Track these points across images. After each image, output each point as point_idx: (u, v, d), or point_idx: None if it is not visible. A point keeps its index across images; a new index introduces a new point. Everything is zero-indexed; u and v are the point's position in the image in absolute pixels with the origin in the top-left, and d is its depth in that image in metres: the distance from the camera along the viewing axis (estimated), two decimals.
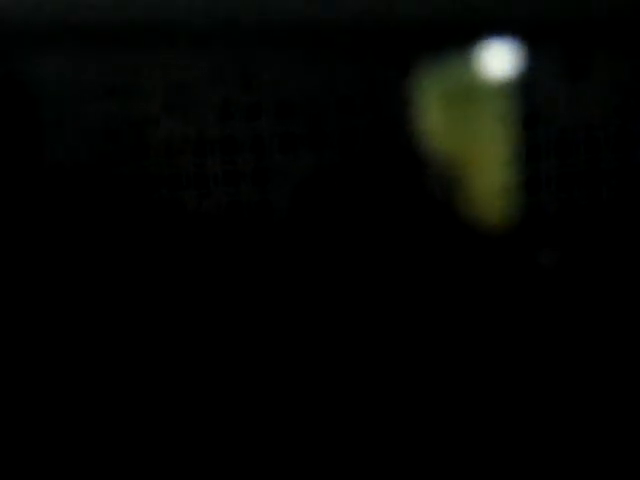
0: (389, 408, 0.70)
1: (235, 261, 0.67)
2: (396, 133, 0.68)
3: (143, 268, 0.66)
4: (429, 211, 0.70)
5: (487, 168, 0.67)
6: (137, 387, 0.67)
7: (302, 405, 0.70)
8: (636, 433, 0.71)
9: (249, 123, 0.69)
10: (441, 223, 0.70)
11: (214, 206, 0.67)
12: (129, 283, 0.66)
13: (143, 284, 0.66)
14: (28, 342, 0.65)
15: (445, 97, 0.65)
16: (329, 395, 0.70)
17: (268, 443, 0.70)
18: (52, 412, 0.69)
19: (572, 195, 0.69)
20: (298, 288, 0.67)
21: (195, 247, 0.66)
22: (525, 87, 0.67)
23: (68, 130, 0.67)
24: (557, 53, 0.69)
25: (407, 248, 0.70)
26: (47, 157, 0.67)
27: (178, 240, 0.66)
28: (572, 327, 0.70)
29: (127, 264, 0.66)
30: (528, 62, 0.66)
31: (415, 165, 0.69)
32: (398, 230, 0.69)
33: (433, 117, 0.65)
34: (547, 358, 0.70)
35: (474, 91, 0.65)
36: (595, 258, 0.70)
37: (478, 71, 0.65)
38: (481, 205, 0.67)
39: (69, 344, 0.65)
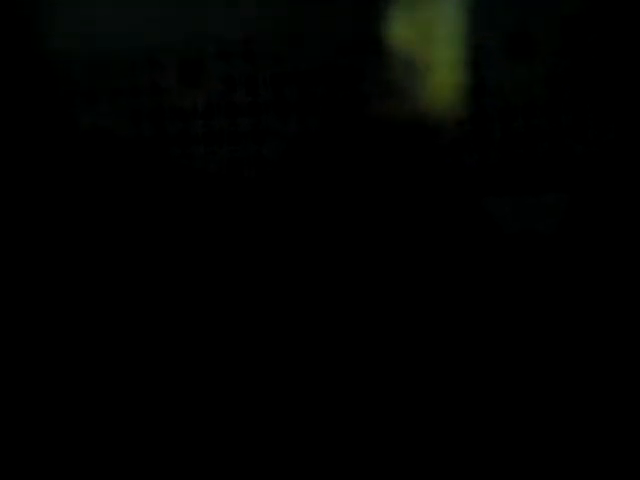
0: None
1: (235, 205, 0.73)
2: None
3: (158, 213, 0.74)
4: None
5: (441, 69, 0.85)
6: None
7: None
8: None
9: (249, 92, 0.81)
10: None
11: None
12: (147, 225, 0.75)
13: (159, 225, 0.74)
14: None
15: (412, 17, 0.84)
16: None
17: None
18: (52, 405, 0.69)
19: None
20: (287, 227, 0.74)
21: (202, 194, 0.73)
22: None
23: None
24: None
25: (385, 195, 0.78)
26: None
27: (189, 189, 0.73)
28: None
29: (145, 210, 0.74)
30: None
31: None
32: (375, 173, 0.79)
33: (403, 32, 0.84)
34: None
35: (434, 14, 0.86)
36: None
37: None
38: (435, 98, 0.83)
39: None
